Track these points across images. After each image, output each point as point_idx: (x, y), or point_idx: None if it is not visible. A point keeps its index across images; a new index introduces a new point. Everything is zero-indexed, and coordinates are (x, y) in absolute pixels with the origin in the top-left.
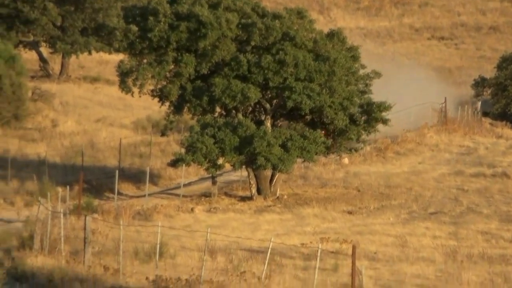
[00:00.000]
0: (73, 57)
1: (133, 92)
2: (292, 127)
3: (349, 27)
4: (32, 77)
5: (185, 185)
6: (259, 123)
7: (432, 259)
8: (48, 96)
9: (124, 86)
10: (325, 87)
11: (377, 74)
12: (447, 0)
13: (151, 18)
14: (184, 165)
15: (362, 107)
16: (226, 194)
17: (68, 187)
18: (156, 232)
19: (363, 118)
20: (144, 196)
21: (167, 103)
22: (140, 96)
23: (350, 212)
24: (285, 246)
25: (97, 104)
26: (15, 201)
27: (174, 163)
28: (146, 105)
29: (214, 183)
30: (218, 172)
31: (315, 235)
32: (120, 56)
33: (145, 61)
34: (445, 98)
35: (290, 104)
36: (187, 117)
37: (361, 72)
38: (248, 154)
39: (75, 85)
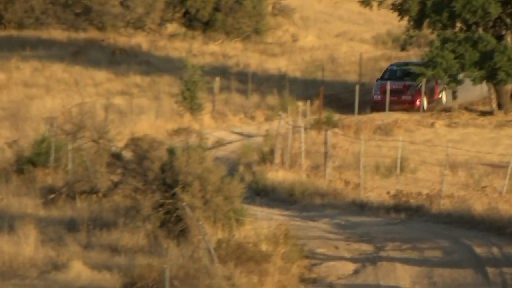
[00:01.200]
0: None
1: (372, 6)
2: None
3: None
4: None
5: None
6: (500, 38)
7: None
8: (288, 11)
9: (364, 0)
10: None
11: None
12: None
13: None
14: (424, 80)
15: None
16: (466, 109)
17: (308, 101)
18: (397, 147)
19: None
20: (384, 110)
21: (407, 18)
22: (379, 10)
23: None
24: None
25: (337, 19)
26: (255, 116)
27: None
28: (386, 20)
29: (454, 98)
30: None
31: None
32: None
33: None
34: None
35: None
36: (427, 32)
37: None
38: (488, 69)
39: (314, 0)
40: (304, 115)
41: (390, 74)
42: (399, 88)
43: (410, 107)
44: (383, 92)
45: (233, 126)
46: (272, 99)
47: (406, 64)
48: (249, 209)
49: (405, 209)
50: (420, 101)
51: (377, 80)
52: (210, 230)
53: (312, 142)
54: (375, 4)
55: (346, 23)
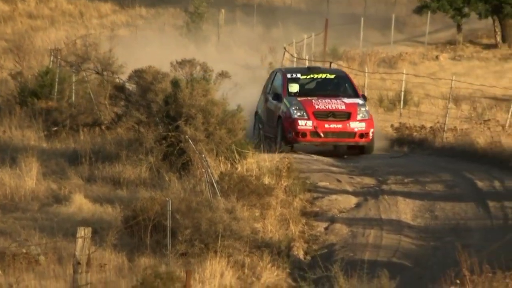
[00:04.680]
0: None
1: None
2: None
3: None
4: None
5: (430, 33)
6: None
7: None
8: None
9: None
10: None
11: None
12: None
13: None
14: (429, 12)
15: None
16: (470, 42)
17: (313, 34)
18: (401, 80)
19: None
20: (389, 43)
21: None
22: None
23: None
24: None
25: None
26: (259, 48)
27: (420, 10)
28: None
29: (459, 30)
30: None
31: None
32: None
33: None
34: None
35: None
36: None
37: None
38: (494, 3)
39: None
40: (309, 47)
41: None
42: (340, 108)
43: None
44: (316, 116)
45: (237, 58)
46: (277, 31)
47: (312, 68)
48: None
49: (408, 143)
50: None
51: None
52: (212, 163)
53: None
54: None
55: None
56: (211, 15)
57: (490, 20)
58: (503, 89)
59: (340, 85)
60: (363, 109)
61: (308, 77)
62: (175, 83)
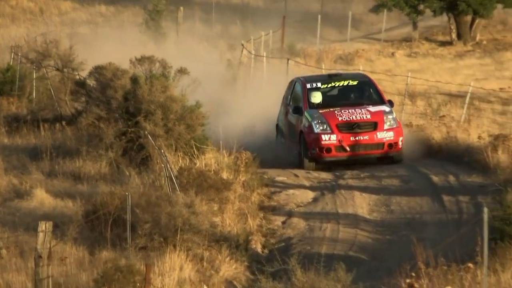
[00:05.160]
0: None
1: None
2: None
3: None
4: None
5: (386, 30)
6: None
7: None
8: None
9: None
10: None
11: None
12: None
13: None
14: (385, 10)
15: None
16: (426, 39)
17: (271, 31)
18: None
19: None
20: (346, 40)
21: None
22: None
23: None
24: (483, 91)
25: None
26: (218, 45)
27: (376, 8)
28: None
29: (414, 28)
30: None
31: None
32: None
33: None
34: None
35: None
36: None
37: None
38: (449, 0)
39: None
40: (267, 44)
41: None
42: (365, 119)
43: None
44: (340, 128)
45: (196, 55)
46: (235, 29)
47: (334, 76)
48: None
49: None
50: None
51: (303, 109)
52: (171, 158)
53: (274, 71)
54: None
55: None
56: (169, 13)
57: (445, 17)
58: (458, 85)
59: (364, 92)
60: (390, 116)
61: (329, 85)
62: (134, 80)
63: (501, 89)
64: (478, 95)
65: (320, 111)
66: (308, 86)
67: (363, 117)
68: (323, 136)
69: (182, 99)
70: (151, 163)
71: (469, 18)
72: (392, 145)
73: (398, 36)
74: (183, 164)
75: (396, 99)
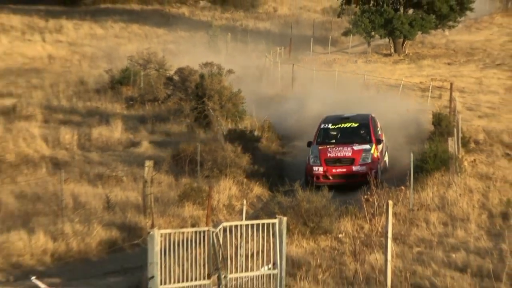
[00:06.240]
0: None
1: None
2: (416, 12)
3: None
4: None
5: (352, 47)
6: (396, 10)
7: (497, 92)
8: None
9: None
10: None
11: None
12: None
13: None
14: (351, 35)
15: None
16: (376, 52)
17: (282, 47)
18: (334, 74)
19: (458, 7)
20: (327, 53)
21: None
22: None
23: (449, 63)
24: (410, 83)
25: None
26: (251, 56)
27: (346, 33)
28: None
29: (369, 45)
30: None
31: (428, 77)
32: None
33: None
34: None
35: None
36: (353, 6)
37: None
38: (389, 29)
39: None
40: (280, 55)
41: (326, 135)
42: (346, 155)
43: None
44: (327, 162)
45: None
46: (262, 46)
47: (344, 118)
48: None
49: None
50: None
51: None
52: (224, 123)
53: (284, 71)
54: None
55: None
56: (222, 36)
57: (387, 39)
58: (395, 80)
59: (359, 133)
60: (365, 154)
61: (337, 126)
62: (201, 76)
63: (420, 82)
64: (407, 86)
65: (319, 147)
66: (322, 126)
67: (345, 154)
68: (314, 168)
69: (230, 87)
70: (211, 126)
71: (401, 40)
72: (363, 175)
73: (359, 51)
74: (230, 126)
75: (358, 88)
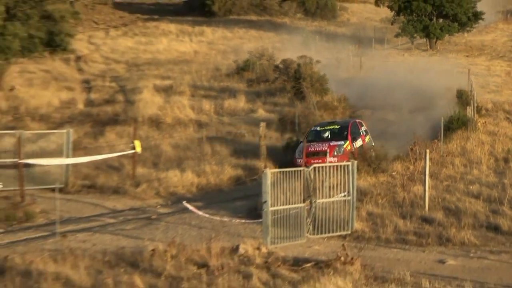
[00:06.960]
0: None
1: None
2: (444, 21)
3: None
4: None
5: (401, 45)
6: (431, 19)
7: (500, 75)
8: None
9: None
10: None
11: None
12: None
13: None
14: (400, 37)
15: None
16: (417, 48)
17: (353, 45)
18: (389, 64)
19: (473, 17)
20: (384, 49)
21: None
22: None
23: (467, 56)
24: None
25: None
26: (333, 53)
27: (396, 36)
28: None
29: (412, 44)
30: None
31: (453, 65)
32: None
33: None
34: None
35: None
36: (402, 17)
37: None
38: (425, 32)
39: None
40: (352, 51)
41: (314, 135)
42: (323, 149)
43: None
44: (307, 155)
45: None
46: (339, 45)
47: (331, 123)
48: None
49: None
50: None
51: (300, 142)
52: (314, 96)
53: (355, 61)
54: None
55: (363, 12)
56: (312, 38)
57: (425, 39)
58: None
59: (340, 133)
60: (338, 148)
61: (323, 128)
62: (298, 65)
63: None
64: (438, 70)
65: (305, 144)
66: (312, 128)
67: (322, 148)
68: (298, 160)
69: (317, 72)
70: (305, 98)
71: (434, 40)
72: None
73: (405, 47)
74: (318, 99)
75: (408, 72)
